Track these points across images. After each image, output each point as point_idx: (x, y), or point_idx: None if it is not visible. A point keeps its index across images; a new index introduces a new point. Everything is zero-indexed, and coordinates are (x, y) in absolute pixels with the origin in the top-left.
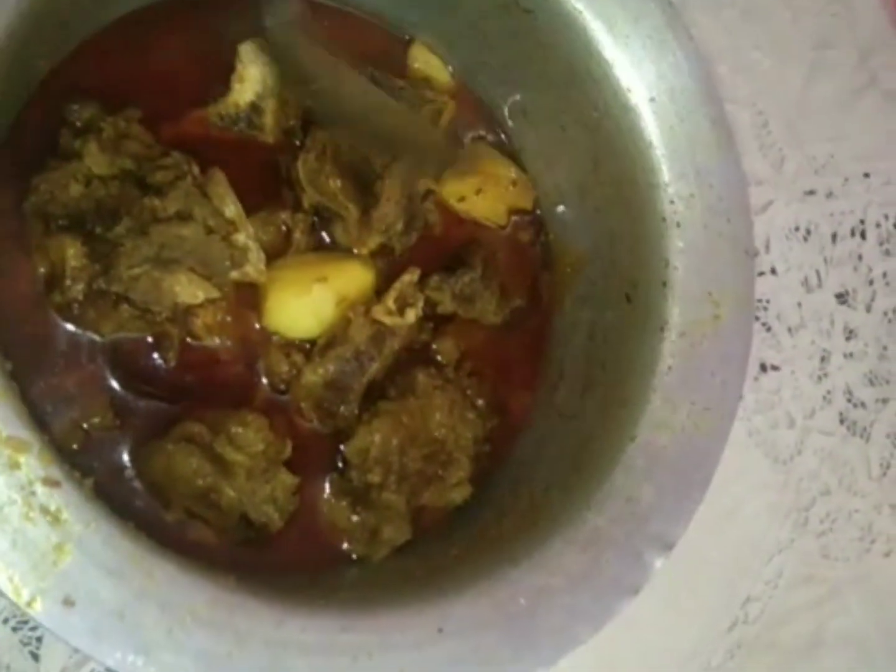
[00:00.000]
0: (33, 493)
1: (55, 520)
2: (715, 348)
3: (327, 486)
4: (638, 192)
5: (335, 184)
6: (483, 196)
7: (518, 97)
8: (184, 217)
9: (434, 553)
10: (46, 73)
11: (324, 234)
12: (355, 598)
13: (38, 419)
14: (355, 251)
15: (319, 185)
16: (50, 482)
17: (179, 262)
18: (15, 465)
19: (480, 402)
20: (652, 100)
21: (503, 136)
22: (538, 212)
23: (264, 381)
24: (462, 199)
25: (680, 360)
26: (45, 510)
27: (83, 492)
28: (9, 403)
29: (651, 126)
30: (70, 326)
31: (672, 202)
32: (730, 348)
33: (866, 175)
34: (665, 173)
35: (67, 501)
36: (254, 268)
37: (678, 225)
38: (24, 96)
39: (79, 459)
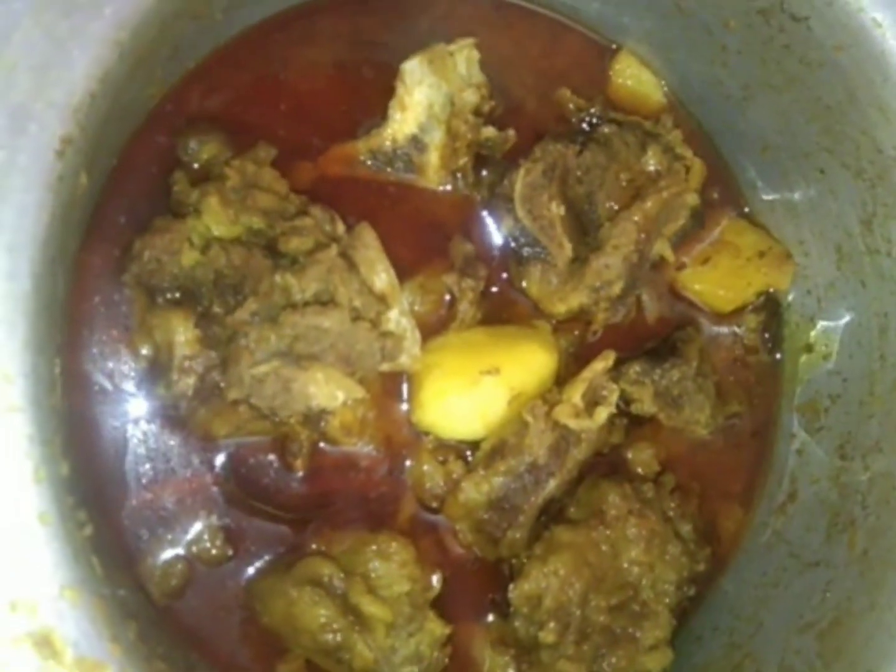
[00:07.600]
0: None
1: None
2: None
3: (485, 624)
4: None
5: (557, 209)
6: (712, 267)
7: (758, 127)
8: (324, 301)
9: None
10: (157, 100)
11: (504, 274)
12: None
13: (124, 564)
14: (545, 309)
15: (536, 207)
16: None
17: (317, 358)
18: None
19: (686, 528)
20: None
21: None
22: (771, 290)
23: (411, 493)
24: (681, 266)
25: None
26: None
27: None
28: (83, 600)
29: None
30: (171, 426)
31: None
32: None
33: None
34: None
35: None
36: (408, 356)
37: None
38: (128, 131)
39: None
